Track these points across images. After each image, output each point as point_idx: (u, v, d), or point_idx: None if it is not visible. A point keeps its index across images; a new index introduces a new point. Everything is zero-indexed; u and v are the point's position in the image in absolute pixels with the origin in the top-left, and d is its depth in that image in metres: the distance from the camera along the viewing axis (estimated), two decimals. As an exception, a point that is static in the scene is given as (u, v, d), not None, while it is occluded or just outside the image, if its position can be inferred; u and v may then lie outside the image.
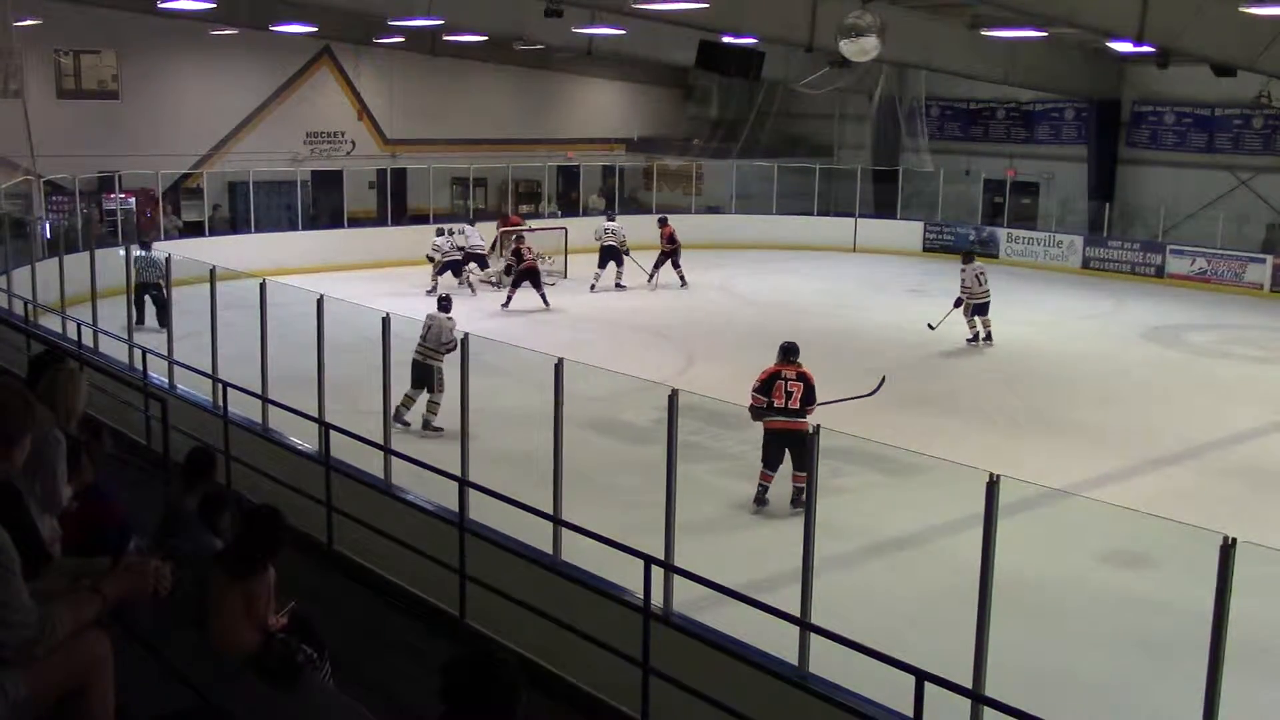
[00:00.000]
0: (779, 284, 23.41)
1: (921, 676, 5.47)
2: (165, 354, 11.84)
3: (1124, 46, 21.15)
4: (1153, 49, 19.12)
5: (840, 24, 16.33)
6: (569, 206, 30.37)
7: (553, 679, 7.16)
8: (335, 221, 26.77)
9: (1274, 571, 7.74)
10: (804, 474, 9.47)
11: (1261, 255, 25.52)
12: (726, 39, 21.50)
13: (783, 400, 10.63)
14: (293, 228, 25.85)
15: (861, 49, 16.54)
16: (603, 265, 22.90)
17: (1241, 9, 17.10)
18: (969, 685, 5.67)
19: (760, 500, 10.84)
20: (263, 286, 10.45)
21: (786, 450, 10.58)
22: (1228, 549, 5.01)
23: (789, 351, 10.96)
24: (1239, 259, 25.56)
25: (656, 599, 6.82)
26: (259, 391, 10.38)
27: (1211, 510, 10.73)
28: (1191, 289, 25.12)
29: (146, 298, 17.27)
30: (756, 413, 10.78)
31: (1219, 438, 13.69)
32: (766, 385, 10.75)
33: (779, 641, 6.44)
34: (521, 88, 32.78)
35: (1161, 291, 24.79)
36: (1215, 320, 21.30)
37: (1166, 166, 28.68)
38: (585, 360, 9.16)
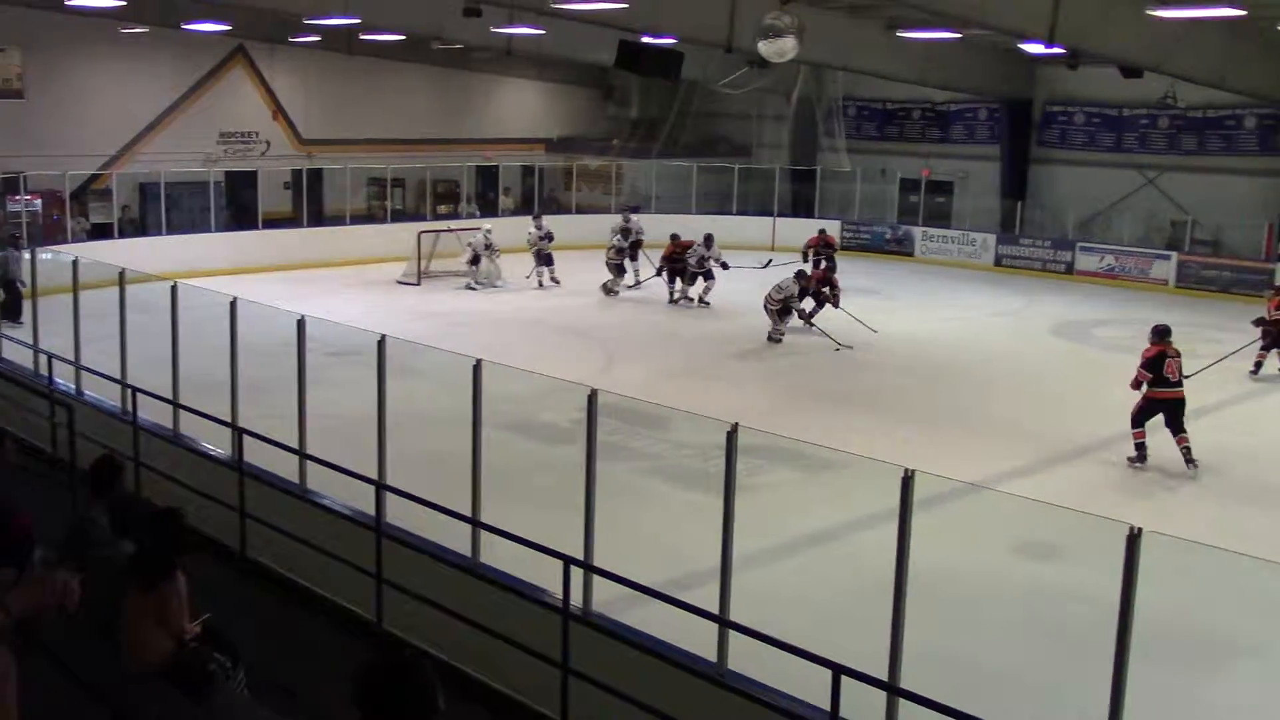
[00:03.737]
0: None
1: (838, 670, 5.53)
2: (72, 359, 11.57)
3: (1035, 48, 21.55)
4: (1063, 50, 19.49)
5: (759, 25, 16.42)
6: (487, 207, 30.23)
7: (471, 682, 7.12)
8: (250, 223, 26.35)
9: (1179, 560, 7.98)
10: (1184, 435, 12.27)
11: (1167, 252, 26.22)
12: (646, 39, 21.54)
13: (1175, 374, 12.46)
14: (206, 229, 25.37)
15: (780, 50, 16.64)
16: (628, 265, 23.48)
17: (1148, 12, 17.52)
18: (885, 678, 5.75)
19: (1143, 458, 12.52)
20: (174, 289, 10.26)
21: (1162, 414, 12.49)
22: (1134, 539, 5.14)
23: (1167, 333, 12.73)
24: (1146, 256, 26.23)
25: (576, 599, 6.81)
26: (170, 396, 10.19)
27: (1120, 501, 11.01)
28: (1100, 285, 25.70)
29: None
30: (1138, 383, 12.58)
31: (1128, 430, 13.99)
32: (1156, 363, 12.46)
33: (699, 639, 6.47)
34: (440, 87, 32.56)
35: (1072, 288, 25.32)
36: (1123, 316, 21.75)
37: (1076, 166, 29.35)
38: (504, 362, 9.12)
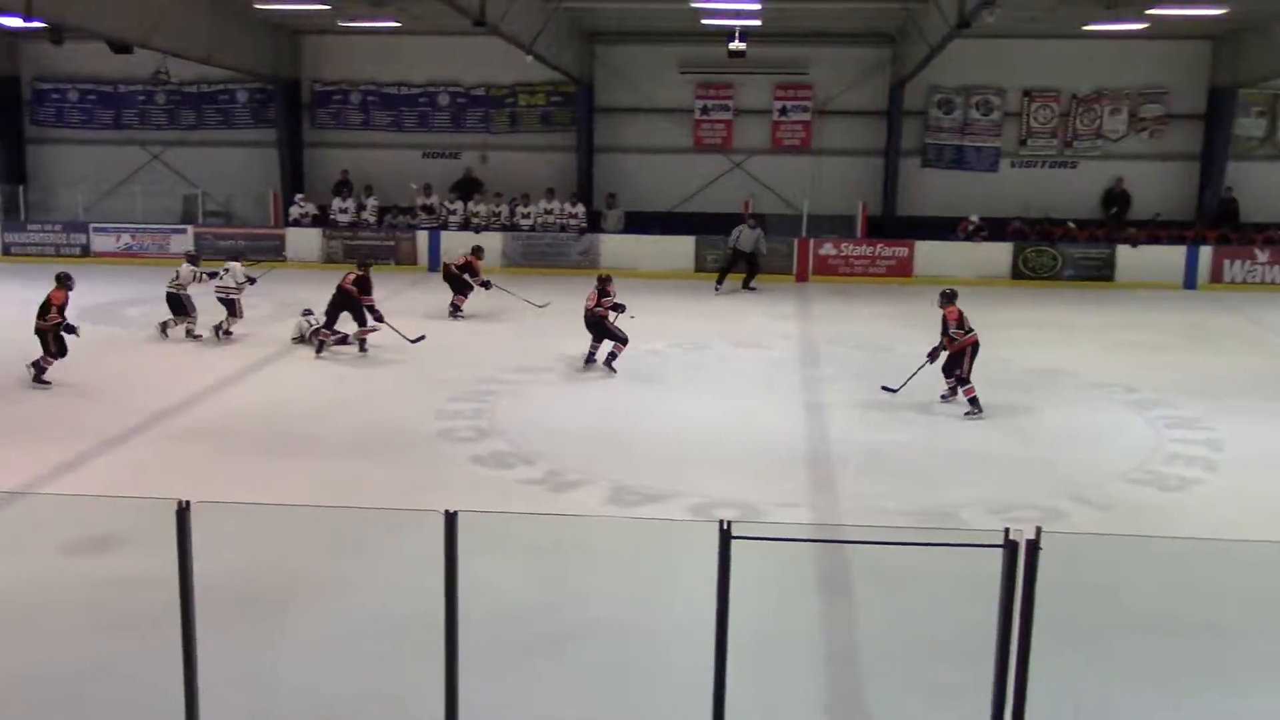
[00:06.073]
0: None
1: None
2: None
3: (14, 22, 20.28)
4: (45, 25, 18.63)
5: None
6: None
7: None
8: None
9: (232, 525, 8.27)
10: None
11: (183, 226, 26.70)
12: None
13: (968, 323, 14.15)
14: None
15: None
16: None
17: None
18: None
19: (980, 407, 14.05)
20: None
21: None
22: (183, 512, 5.18)
23: (955, 295, 14.39)
24: (163, 231, 26.41)
25: None
26: None
27: (173, 477, 11.04)
28: (122, 265, 25.38)
29: None
30: (952, 342, 14.08)
31: (172, 404, 14.04)
32: (962, 320, 14.08)
33: None
34: None
35: (92, 271, 24.54)
36: (150, 294, 21.64)
37: (79, 144, 28.53)
38: None
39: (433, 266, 25.73)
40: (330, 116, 28.22)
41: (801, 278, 24.94)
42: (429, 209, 26.67)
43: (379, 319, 17.06)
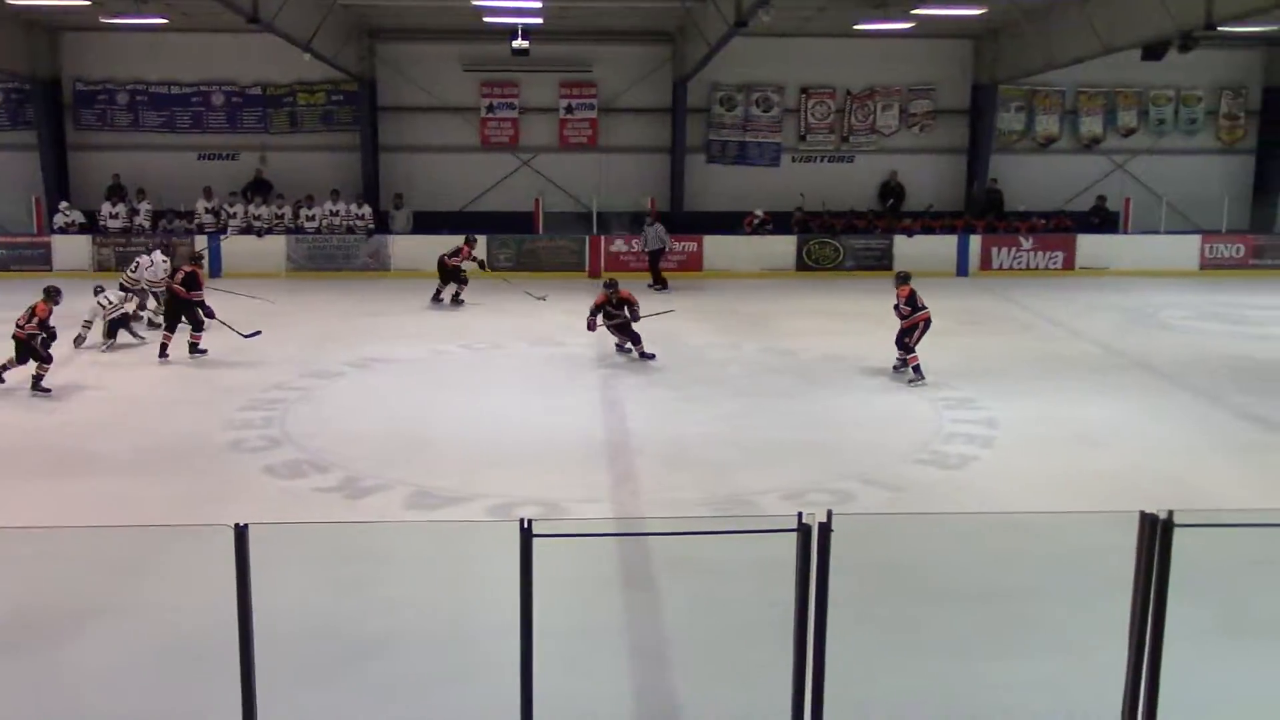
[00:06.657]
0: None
1: None
2: None
3: None
4: None
5: None
6: None
7: None
8: None
9: (8, 552, 7.79)
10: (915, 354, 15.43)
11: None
12: None
13: (921, 301, 15.43)
14: None
15: None
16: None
17: None
18: None
19: (922, 375, 15.28)
20: None
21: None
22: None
23: (909, 276, 15.64)
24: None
25: None
26: None
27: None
28: None
29: None
30: (905, 317, 15.38)
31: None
32: (913, 298, 15.29)
33: None
34: None
35: None
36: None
37: None
38: None
39: (214, 272, 24.79)
40: (95, 117, 26.84)
41: (594, 274, 25.08)
42: (212, 212, 25.69)
43: (210, 315, 16.80)
